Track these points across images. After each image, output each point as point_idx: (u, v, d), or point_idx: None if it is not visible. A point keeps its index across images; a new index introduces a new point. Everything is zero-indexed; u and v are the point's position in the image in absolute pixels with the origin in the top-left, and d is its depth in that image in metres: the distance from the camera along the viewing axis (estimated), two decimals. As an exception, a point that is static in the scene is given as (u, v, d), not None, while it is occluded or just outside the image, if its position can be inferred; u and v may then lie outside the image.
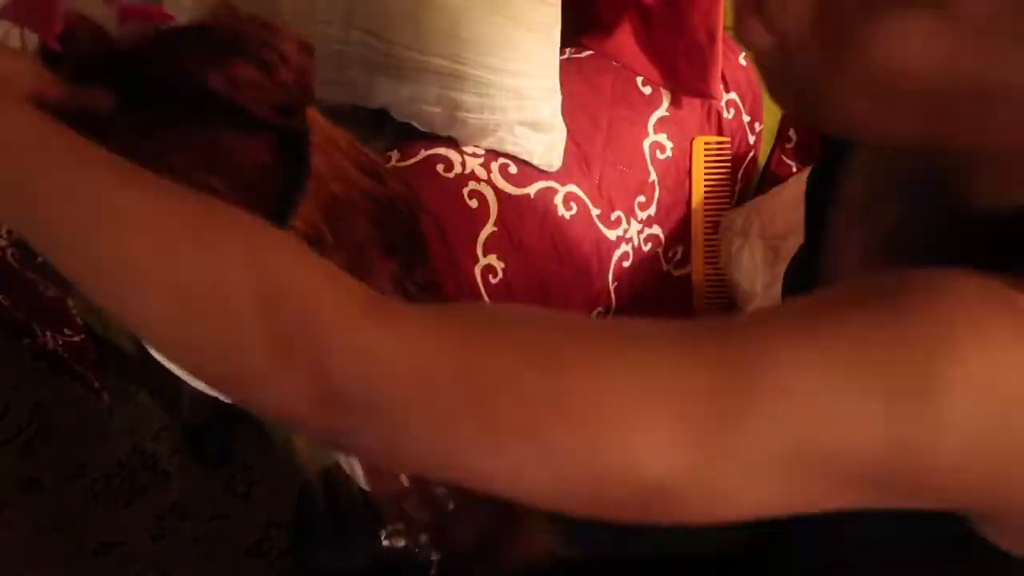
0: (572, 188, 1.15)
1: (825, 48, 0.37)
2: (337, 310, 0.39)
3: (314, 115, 0.62)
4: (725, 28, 1.23)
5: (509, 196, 1.11)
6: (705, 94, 1.27)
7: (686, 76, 1.25)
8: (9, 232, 1.33)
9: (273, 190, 0.57)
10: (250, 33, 0.57)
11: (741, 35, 0.39)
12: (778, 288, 1.16)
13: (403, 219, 0.67)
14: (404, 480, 0.69)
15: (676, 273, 1.38)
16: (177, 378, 1.50)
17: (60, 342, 1.51)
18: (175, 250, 0.41)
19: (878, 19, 0.35)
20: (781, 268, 1.17)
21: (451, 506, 0.68)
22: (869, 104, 0.37)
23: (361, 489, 0.68)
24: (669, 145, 1.26)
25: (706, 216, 1.32)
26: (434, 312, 0.40)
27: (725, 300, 1.31)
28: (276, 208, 0.58)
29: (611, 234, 1.19)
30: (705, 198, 1.32)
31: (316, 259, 0.42)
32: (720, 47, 1.24)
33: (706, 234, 1.32)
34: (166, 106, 0.55)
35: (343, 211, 0.62)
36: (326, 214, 0.61)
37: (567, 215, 1.14)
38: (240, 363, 0.40)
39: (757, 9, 0.38)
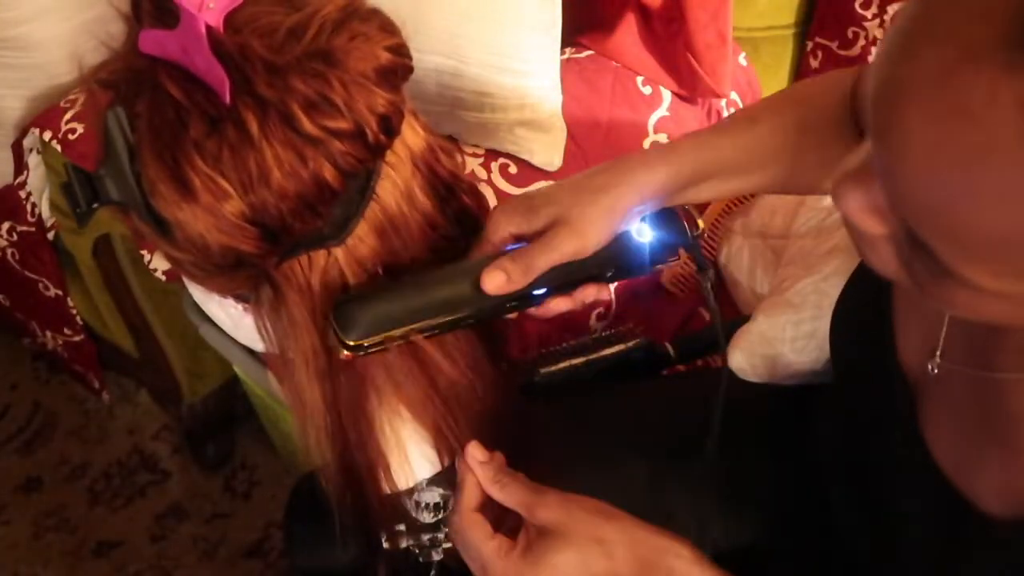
0: (572, 188, 1.15)
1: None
2: None
3: (406, 125, 0.61)
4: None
5: (509, 196, 1.11)
6: (714, 94, 1.26)
7: (694, 76, 1.25)
8: (9, 232, 1.32)
9: (329, 209, 0.57)
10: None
11: (846, 209, 0.42)
12: (776, 285, 1.15)
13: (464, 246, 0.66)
14: (405, 481, 0.68)
15: (676, 273, 1.37)
16: (177, 378, 1.50)
17: (60, 342, 1.51)
18: None
19: (950, 287, 0.40)
20: (772, 266, 1.16)
21: (451, 507, 0.68)
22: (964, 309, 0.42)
23: (361, 489, 0.68)
24: (669, 145, 1.26)
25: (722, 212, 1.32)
26: None
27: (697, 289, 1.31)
28: (327, 231, 0.58)
29: (611, 234, 1.19)
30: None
31: None
32: (730, 47, 1.24)
33: (710, 229, 1.32)
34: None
35: (397, 234, 0.61)
36: (379, 235, 0.60)
37: (567, 215, 1.14)
38: None
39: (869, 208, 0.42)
